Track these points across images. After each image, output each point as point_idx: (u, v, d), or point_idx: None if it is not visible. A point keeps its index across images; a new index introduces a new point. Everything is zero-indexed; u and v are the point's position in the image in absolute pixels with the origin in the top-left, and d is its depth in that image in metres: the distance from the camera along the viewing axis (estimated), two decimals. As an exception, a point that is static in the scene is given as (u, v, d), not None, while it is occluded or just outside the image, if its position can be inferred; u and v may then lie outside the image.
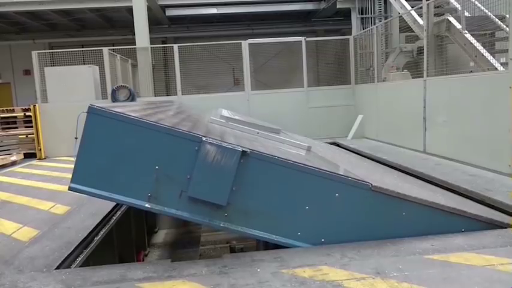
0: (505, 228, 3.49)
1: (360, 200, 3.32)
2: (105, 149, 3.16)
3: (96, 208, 4.65)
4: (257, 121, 6.25)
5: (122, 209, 4.92)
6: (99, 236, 4.06)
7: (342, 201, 3.31)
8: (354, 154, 7.60)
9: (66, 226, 4.10)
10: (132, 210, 6.08)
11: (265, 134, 4.93)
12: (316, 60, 12.13)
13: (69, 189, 3.16)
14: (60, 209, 4.77)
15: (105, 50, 9.69)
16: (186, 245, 7.68)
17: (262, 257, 3.09)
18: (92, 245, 3.84)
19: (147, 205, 3.17)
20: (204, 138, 3.13)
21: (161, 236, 8.29)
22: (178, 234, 8.38)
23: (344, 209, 3.33)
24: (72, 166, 3.18)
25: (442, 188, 4.84)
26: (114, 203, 4.79)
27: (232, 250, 5.45)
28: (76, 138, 9.49)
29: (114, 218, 4.62)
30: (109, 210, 4.60)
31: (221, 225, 3.24)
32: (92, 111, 3.13)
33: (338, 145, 8.95)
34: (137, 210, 6.66)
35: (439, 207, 3.45)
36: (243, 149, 3.16)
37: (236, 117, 5.75)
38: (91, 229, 3.97)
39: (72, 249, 3.48)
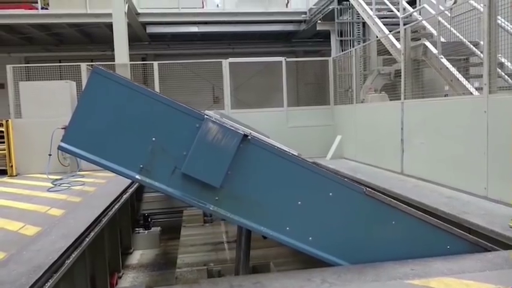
0: (489, 251, 3.48)
1: (353, 202, 3.29)
2: (104, 112, 3.06)
3: (68, 229, 4.47)
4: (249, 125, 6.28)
5: (96, 230, 4.75)
6: (71, 259, 3.88)
7: (334, 201, 3.27)
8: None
9: (36, 249, 3.91)
10: (106, 230, 5.90)
11: (257, 136, 4.94)
12: (296, 81, 12.27)
13: (58, 149, 3.07)
14: (30, 229, 4.57)
15: (83, 66, 9.55)
16: (162, 267, 7.48)
17: (241, 283, 2.99)
18: (62, 268, 3.66)
19: (137, 176, 3.08)
20: (206, 116, 3.08)
21: (136, 257, 8.07)
22: (154, 255, 8.17)
23: (336, 210, 3.29)
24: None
25: (420, 210, 4.85)
26: (87, 224, 4.63)
27: (210, 273, 5.30)
28: (50, 155, 9.15)
29: (87, 239, 4.44)
30: (82, 231, 4.42)
31: (211, 208, 3.16)
32: (96, 71, 3.04)
33: (317, 165, 8.96)
34: (111, 229, 6.48)
35: (428, 220, 3.43)
36: (245, 133, 3.11)
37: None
38: (62, 252, 3.79)
39: (41, 273, 3.29)
